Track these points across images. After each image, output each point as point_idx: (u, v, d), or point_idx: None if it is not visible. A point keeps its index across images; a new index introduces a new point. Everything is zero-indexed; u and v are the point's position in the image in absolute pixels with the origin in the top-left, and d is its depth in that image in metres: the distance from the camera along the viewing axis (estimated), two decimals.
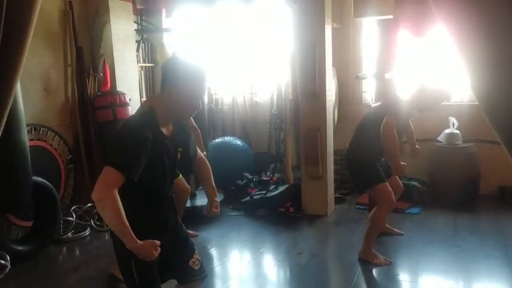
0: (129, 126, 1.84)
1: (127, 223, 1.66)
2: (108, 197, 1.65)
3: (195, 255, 2.07)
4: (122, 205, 1.67)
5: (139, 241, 1.68)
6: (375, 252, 3.35)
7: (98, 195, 1.66)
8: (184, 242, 2.07)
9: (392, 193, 3.31)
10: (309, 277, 3.21)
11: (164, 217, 1.99)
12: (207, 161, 2.24)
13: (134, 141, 1.73)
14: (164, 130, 1.86)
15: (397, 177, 3.58)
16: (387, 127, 3.13)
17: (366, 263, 3.34)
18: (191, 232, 3.29)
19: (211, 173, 2.21)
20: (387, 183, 3.31)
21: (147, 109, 1.85)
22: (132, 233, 1.67)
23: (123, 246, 1.72)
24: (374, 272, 3.33)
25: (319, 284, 3.12)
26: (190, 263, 2.03)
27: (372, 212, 3.40)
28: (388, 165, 3.41)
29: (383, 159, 3.41)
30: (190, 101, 1.84)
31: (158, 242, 1.73)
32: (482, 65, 1.14)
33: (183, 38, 5.66)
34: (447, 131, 4.69)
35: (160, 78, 1.88)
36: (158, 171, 1.85)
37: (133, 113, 2.02)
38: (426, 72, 4.95)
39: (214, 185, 2.19)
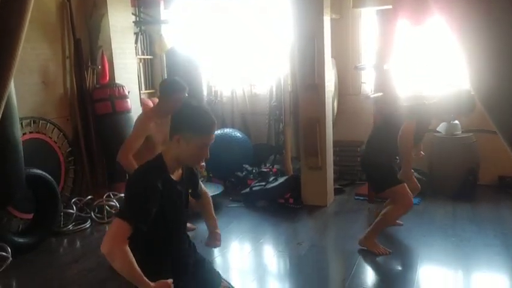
0: (138, 176, 1.88)
1: (138, 271, 1.70)
2: (117, 251, 1.68)
3: (222, 283, 2.15)
4: (139, 249, 1.74)
5: (151, 284, 1.72)
6: (377, 243, 3.36)
7: (107, 248, 1.69)
8: (209, 276, 2.14)
9: (411, 194, 3.32)
10: (308, 267, 3.22)
11: (183, 256, 2.03)
12: (208, 194, 2.36)
13: (142, 191, 1.76)
14: (173, 175, 1.90)
15: (414, 177, 3.52)
16: (405, 133, 3.16)
17: (365, 252, 3.35)
18: (189, 225, 3.28)
19: (212, 206, 2.35)
20: (405, 184, 3.31)
21: (156, 157, 1.90)
22: (144, 278, 1.71)
23: None
24: (374, 261, 3.35)
25: (319, 274, 3.13)
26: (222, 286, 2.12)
27: (387, 208, 3.40)
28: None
29: (398, 160, 3.41)
30: (198, 151, 1.85)
31: (170, 281, 1.77)
32: (480, 56, 1.13)
33: (182, 30, 5.63)
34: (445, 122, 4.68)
35: (170, 126, 1.89)
36: (171, 215, 1.90)
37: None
38: (425, 62, 4.95)
39: (215, 217, 2.30)
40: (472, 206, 4.20)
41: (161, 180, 1.80)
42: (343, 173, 5.33)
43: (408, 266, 3.20)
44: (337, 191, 4.80)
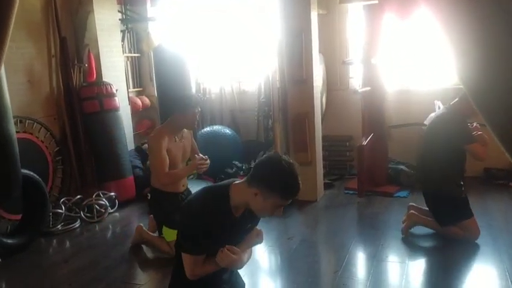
0: (199, 208, 1.82)
1: (213, 263, 1.84)
2: (200, 273, 1.86)
3: None
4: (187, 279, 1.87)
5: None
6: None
7: (193, 276, 1.86)
8: None
9: (478, 225, 3.33)
10: (300, 261, 3.24)
11: (224, 278, 2.06)
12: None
13: (202, 226, 1.77)
14: (235, 213, 1.85)
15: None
16: (479, 153, 3.23)
17: (356, 245, 3.39)
18: None
19: None
20: (474, 217, 3.32)
21: (223, 188, 1.83)
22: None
23: None
24: (364, 254, 3.39)
25: (310, 267, 3.16)
26: None
27: (452, 229, 3.34)
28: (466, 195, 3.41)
29: (463, 186, 3.38)
30: (273, 209, 1.80)
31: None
32: (468, 50, 1.14)
33: (169, 27, 5.60)
34: (433, 114, 4.70)
35: (252, 172, 1.79)
36: (222, 245, 1.87)
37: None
38: (411, 56, 4.99)
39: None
40: None
41: (222, 215, 1.79)
42: (332, 167, 5.36)
43: (398, 257, 3.24)
44: (327, 186, 4.83)
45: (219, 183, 1.99)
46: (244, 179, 1.81)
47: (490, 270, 2.99)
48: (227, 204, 1.79)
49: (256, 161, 1.91)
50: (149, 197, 3.51)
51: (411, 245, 3.40)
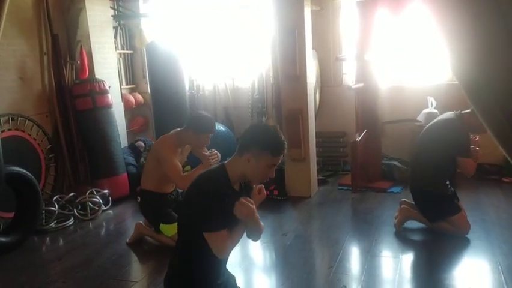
0: (208, 187, 1.90)
1: (235, 229, 1.92)
2: (230, 246, 1.92)
3: None
4: (193, 265, 1.96)
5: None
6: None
7: (225, 252, 1.92)
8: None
9: (467, 219, 3.37)
10: (294, 257, 3.25)
11: (224, 274, 2.13)
12: None
13: (216, 200, 1.85)
14: (235, 186, 1.98)
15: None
16: (469, 169, 3.30)
17: (350, 241, 3.40)
18: None
19: None
20: (462, 211, 3.36)
21: (218, 169, 1.95)
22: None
23: None
24: (358, 249, 3.40)
25: (304, 263, 3.16)
26: None
27: (442, 224, 3.38)
28: (455, 192, 3.47)
29: (449, 184, 3.43)
30: (267, 169, 1.93)
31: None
32: (463, 46, 1.14)
33: (162, 24, 5.58)
34: (426, 110, 4.75)
35: (240, 142, 1.95)
36: (232, 224, 1.94)
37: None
38: (405, 52, 5.00)
39: None
40: None
41: (227, 189, 1.90)
42: (326, 163, 5.38)
43: (392, 252, 3.25)
44: (320, 182, 4.84)
45: (211, 167, 2.09)
46: (234, 154, 1.95)
47: (483, 264, 3.01)
48: (228, 180, 1.91)
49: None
50: (139, 200, 3.56)
51: (404, 240, 3.42)
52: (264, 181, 2.01)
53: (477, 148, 3.34)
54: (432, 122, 3.53)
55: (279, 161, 1.95)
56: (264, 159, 1.88)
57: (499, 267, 2.86)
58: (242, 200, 1.89)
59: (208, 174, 1.97)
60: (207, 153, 3.35)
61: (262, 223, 2.00)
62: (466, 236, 3.34)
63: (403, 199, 3.73)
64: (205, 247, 1.87)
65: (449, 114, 3.40)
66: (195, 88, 5.69)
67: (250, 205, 1.89)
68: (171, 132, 3.43)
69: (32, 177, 3.76)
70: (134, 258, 3.46)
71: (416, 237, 3.48)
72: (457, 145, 3.26)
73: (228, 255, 1.99)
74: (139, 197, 3.58)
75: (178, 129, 3.39)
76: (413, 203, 3.58)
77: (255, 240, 2.09)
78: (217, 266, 2.02)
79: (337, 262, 3.08)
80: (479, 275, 2.90)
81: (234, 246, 1.94)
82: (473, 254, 3.15)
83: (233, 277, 2.25)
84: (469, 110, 3.18)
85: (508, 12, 1.05)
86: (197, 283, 1.98)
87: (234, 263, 3.25)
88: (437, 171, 3.34)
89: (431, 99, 4.74)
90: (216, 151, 3.40)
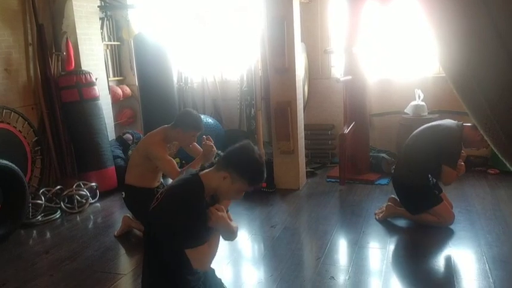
0: (185, 203, 1.86)
1: (212, 239, 1.91)
2: (211, 258, 1.91)
3: None
4: (176, 275, 1.91)
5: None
6: None
7: (207, 265, 1.92)
8: (217, 281, 2.21)
9: (450, 209, 3.43)
10: (282, 249, 3.27)
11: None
12: None
13: (196, 215, 1.84)
14: (207, 198, 1.95)
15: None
16: (450, 179, 3.35)
17: (338, 232, 3.43)
18: None
19: None
20: (444, 202, 3.41)
21: (194, 180, 1.91)
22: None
23: None
24: (346, 240, 3.43)
25: (292, 254, 3.18)
26: None
27: (425, 216, 3.42)
28: (436, 183, 3.51)
29: (431, 177, 3.45)
30: (238, 193, 1.94)
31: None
32: (451, 38, 1.14)
33: (149, 15, 5.52)
34: (413, 103, 4.80)
35: (224, 157, 1.93)
36: (209, 234, 1.95)
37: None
38: (393, 45, 5.02)
39: None
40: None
41: (202, 201, 1.89)
42: (314, 156, 5.41)
43: (379, 243, 3.29)
44: (309, 174, 4.87)
45: (184, 176, 2.00)
46: (213, 166, 1.94)
47: (468, 254, 3.06)
48: (203, 192, 1.90)
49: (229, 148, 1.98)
50: (123, 196, 3.54)
51: (391, 231, 3.46)
52: (229, 201, 2.06)
53: (462, 163, 3.40)
54: (433, 123, 3.50)
55: (250, 190, 1.96)
56: (239, 184, 1.88)
57: (484, 257, 2.91)
58: (212, 209, 1.89)
59: (184, 188, 1.90)
60: (210, 143, 3.29)
61: (235, 224, 2.01)
62: (451, 226, 3.39)
63: (392, 196, 3.76)
64: (186, 263, 1.85)
65: (451, 123, 3.40)
66: (183, 80, 5.66)
67: (220, 213, 1.91)
68: (158, 129, 3.40)
69: (18, 170, 3.72)
70: (122, 251, 3.45)
71: (403, 228, 3.52)
72: (448, 155, 3.31)
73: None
74: (123, 193, 3.56)
75: (165, 125, 3.37)
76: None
77: (231, 240, 2.08)
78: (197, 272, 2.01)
79: (325, 253, 3.11)
80: (465, 264, 2.94)
81: (215, 256, 1.94)
82: (458, 244, 3.20)
83: (212, 269, 2.22)
84: (470, 124, 3.22)
85: (491, 5, 1.05)
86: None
87: (222, 255, 3.26)
88: (425, 169, 3.39)
89: (419, 92, 4.77)
90: (209, 137, 3.35)
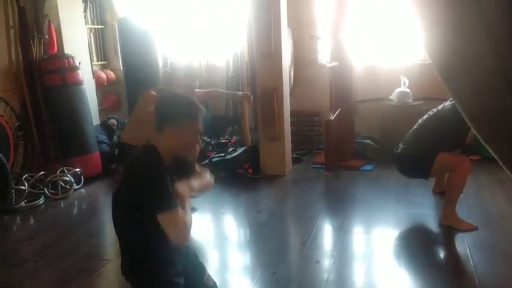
0: (146, 170, 1.79)
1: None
2: (188, 227, 1.77)
3: (206, 272, 2.10)
4: (154, 248, 1.84)
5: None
6: (460, 218, 3.18)
7: (184, 237, 1.78)
8: (196, 261, 2.12)
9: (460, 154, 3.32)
10: (268, 234, 3.29)
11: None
12: None
13: (162, 182, 1.75)
14: (166, 165, 1.84)
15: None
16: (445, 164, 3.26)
17: (323, 218, 3.47)
18: None
19: None
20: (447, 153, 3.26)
21: (151, 149, 1.82)
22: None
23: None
24: (331, 225, 3.48)
25: (278, 239, 3.21)
26: (205, 279, 2.08)
27: (447, 177, 3.31)
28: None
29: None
30: (192, 139, 1.84)
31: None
32: (437, 26, 1.14)
33: None
34: (398, 89, 4.83)
35: (155, 121, 1.82)
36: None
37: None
38: (378, 31, 5.03)
39: None
40: None
41: (164, 167, 1.79)
42: (300, 142, 5.42)
43: (363, 228, 3.34)
44: (295, 160, 4.89)
45: (136, 152, 1.92)
46: (155, 133, 1.84)
47: (450, 239, 3.12)
48: (160, 157, 1.80)
49: None
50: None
51: (375, 216, 3.50)
52: (191, 151, 1.91)
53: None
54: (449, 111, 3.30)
55: (200, 128, 1.85)
56: (186, 129, 1.80)
57: (465, 241, 2.97)
58: (179, 185, 1.81)
59: (149, 155, 1.82)
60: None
61: (189, 218, 1.81)
62: (433, 211, 3.44)
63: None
64: (161, 240, 1.76)
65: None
66: (169, 66, 5.60)
67: (186, 189, 1.83)
68: None
69: (1, 155, 3.66)
70: (107, 236, 3.43)
71: (387, 214, 3.56)
72: (453, 133, 3.26)
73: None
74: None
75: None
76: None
77: (180, 241, 1.83)
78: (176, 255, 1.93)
79: (310, 238, 3.14)
80: (447, 249, 3.01)
81: (190, 230, 1.79)
82: (441, 231, 3.24)
83: (193, 252, 2.16)
84: None
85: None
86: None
87: (209, 240, 3.28)
88: (437, 145, 3.26)
89: (404, 79, 4.80)
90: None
